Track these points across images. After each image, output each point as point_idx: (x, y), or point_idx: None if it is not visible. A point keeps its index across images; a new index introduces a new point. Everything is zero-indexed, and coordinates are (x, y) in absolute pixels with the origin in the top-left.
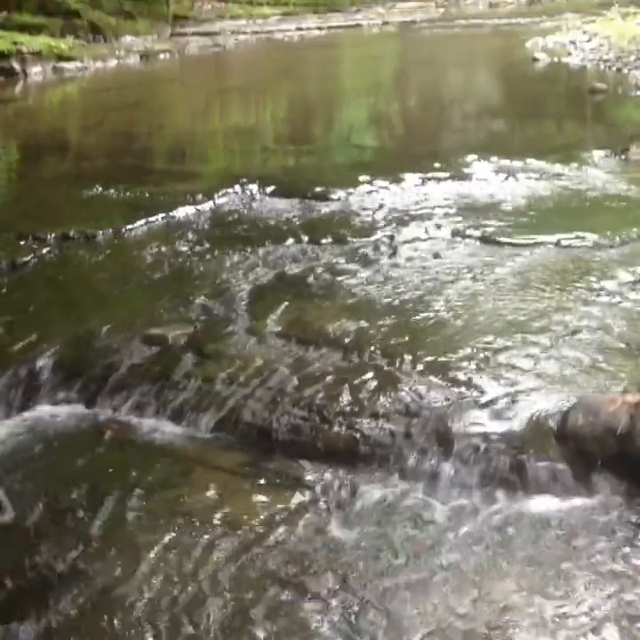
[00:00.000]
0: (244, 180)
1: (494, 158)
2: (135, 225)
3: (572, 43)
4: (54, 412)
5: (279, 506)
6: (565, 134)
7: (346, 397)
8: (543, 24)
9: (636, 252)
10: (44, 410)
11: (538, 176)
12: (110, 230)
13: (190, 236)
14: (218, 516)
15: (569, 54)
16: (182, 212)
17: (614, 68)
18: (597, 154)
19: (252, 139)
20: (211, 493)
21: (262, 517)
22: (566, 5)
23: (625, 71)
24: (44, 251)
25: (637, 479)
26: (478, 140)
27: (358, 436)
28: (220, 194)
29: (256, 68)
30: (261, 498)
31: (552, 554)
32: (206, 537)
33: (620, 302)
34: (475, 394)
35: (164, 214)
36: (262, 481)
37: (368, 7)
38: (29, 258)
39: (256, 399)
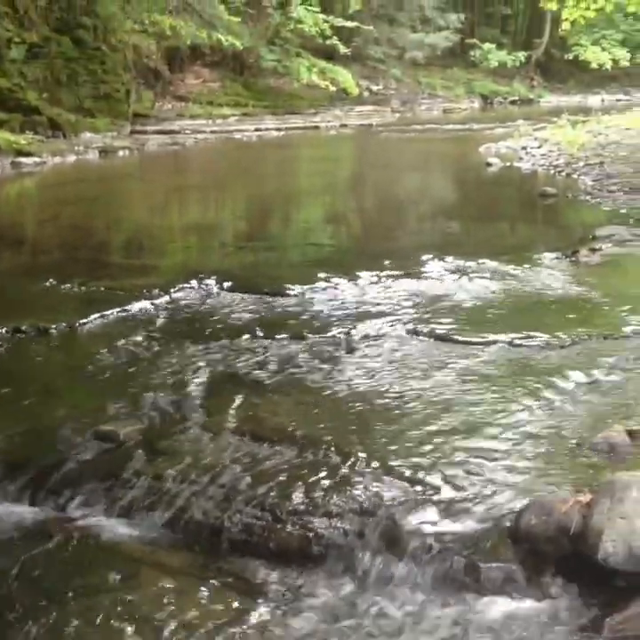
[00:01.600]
0: (201, 274)
1: (449, 258)
2: (89, 319)
3: (524, 148)
4: None
5: (228, 607)
6: (517, 236)
7: (299, 496)
8: (496, 130)
9: (584, 352)
10: None
11: (491, 276)
12: (63, 324)
13: (145, 330)
14: (165, 618)
15: (521, 159)
16: (137, 307)
17: (564, 174)
18: (548, 256)
19: (210, 234)
20: (158, 595)
21: (210, 619)
22: (518, 112)
23: (574, 176)
24: None
25: (589, 579)
26: (433, 240)
27: (311, 535)
28: (177, 288)
29: (214, 166)
30: (210, 599)
31: None
32: None
33: (570, 402)
34: (429, 493)
35: (119, 308)
36: (212, 582)
37: (326, 110)
38: None
39: (207, 497)
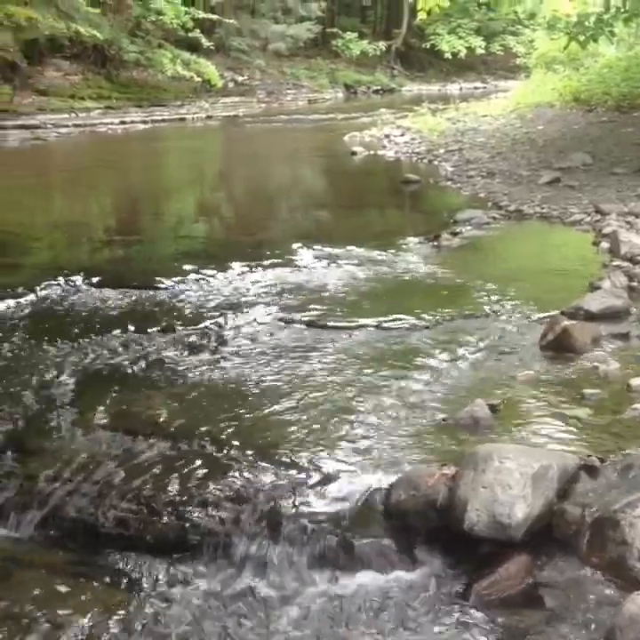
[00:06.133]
0: (68, 271)
1: (317, 246)
2: None
3: (387, 137)
4: None
5: (106, 603)
6: (383, 223)
7: (175, 487)
8: (360, 119)
9: (447, 332)
10: None
11: (358, 262)
12: None
13: (10, 329)
14: (40, 617)
15: (384, 148)
16: (1, 306)
17: (425, 160)
18: (412, 241)
19: (78, 230)
20: (34, 595)
21: (89, 616)
22: (380, 101)
23: (435, 163)
24: None
25: (458, 549)
26: (302, 229)
27: (188, 525)
28: (43, 286)
29: (79, 161)
30: (88, 596)
31: (377, 628)
32: None
33: (435, 380)
34: (304, 475)
35: None
36: (89, 579)
37: (192, 101)
38: None
39: (81, 495)
